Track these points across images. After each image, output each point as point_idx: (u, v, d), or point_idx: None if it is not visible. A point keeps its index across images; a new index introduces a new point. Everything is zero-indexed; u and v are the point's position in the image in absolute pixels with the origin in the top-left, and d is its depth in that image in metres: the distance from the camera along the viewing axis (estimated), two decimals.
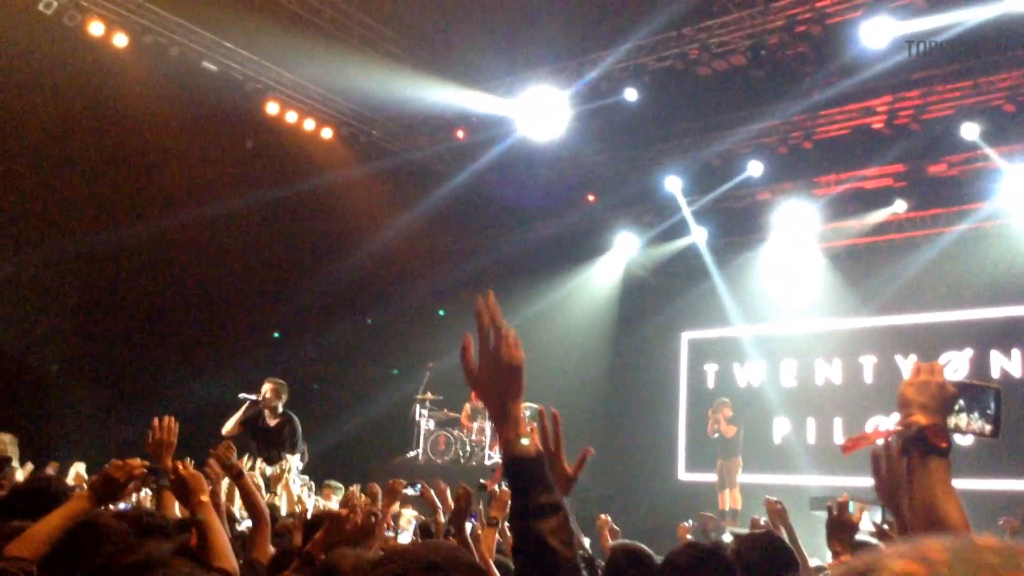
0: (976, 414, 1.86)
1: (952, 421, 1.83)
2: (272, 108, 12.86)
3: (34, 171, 11.27)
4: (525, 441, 1.64)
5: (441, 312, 14.65)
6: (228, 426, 8.72)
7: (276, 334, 13.22)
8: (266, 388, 8.82)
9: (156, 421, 3.59)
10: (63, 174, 11.40)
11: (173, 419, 3.65)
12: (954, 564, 0.51)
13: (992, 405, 1.87)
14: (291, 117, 13.11)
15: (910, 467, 1.76)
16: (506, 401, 1.69)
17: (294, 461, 8.57)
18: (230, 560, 2.73)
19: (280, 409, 8.83)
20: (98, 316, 12.10)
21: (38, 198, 11.42)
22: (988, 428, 1.86)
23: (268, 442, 8.71)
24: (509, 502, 1.63)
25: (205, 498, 2.94)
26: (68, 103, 11.02)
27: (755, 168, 13.78)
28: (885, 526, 4.08)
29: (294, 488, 8.12)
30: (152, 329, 12.47)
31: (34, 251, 11.24)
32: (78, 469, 8.29)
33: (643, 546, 3.58)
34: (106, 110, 11.37)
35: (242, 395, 8.84)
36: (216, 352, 11.88)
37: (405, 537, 6.64)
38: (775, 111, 13.00)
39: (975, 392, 1.88)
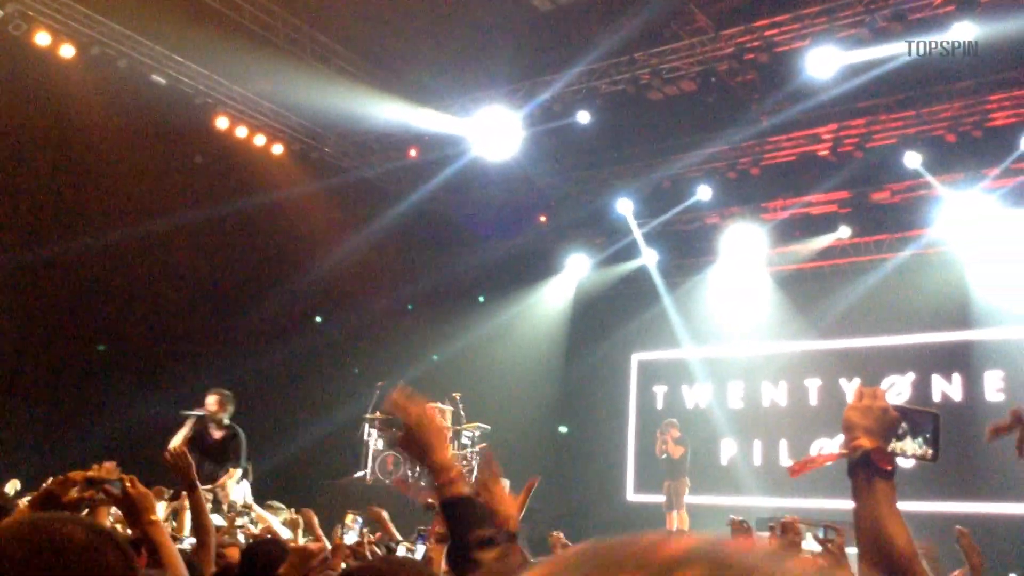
0: (919, 439, 1.92)
1: (896, 445, 1.88)
2: (222, 123, 12.72)
3: None
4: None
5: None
6: (175, 442, 8.48)
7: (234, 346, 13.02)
8: (211, 400, 8.54)
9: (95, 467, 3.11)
10: (4, 186, 11.14)
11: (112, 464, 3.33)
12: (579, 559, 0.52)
13: (931, 430, 1.93)
14: (241, 132, 12.97)
15: (856, 490, 1.80)
16: (427, 455, 1.96)
17: (236, 474, 8.39)
18: None
19: (226, 421, 8.57)
20: (39, 331, 11.80)
21: None
22: (929, 452, 1.92)
23: (212, 457, 8.46)
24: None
25: (155, 517, 2.86)
26: (11, 114, 10.77)
27: (704, 192, 14.01)
28: (828, 544, 4.14)
29: (235, 496, 7.99)
30: (95, 344, 12.20)
31: None
32: (14, 487, 8.06)
33: None
34: (52, 122, 11.15)
35: (184, 412, 8.61)
36: (161, 368, 11.67)
37: (351, 537, 6.60)
38: (724, 136, 13.26)
39: (916, 417, 1.93)
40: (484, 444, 12.78)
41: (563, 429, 12.10)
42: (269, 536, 5.82)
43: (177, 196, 12.06)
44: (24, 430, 10.78)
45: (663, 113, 12.96)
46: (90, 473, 2.96)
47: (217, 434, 8.56)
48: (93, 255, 11.39)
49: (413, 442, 1.97)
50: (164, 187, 11.96)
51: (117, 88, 11.39)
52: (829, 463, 2.08)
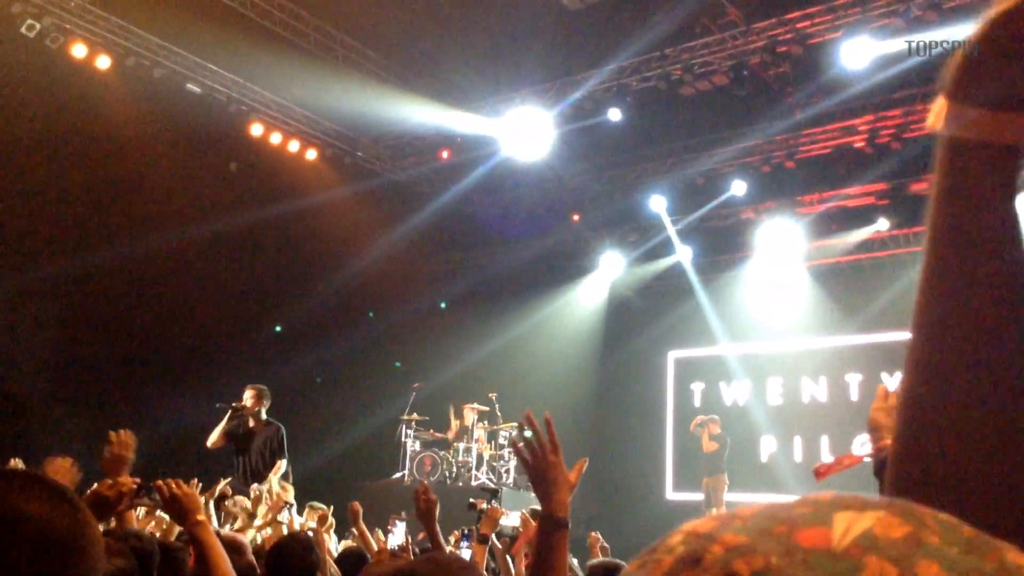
0: None
1: None
2: (256, 130, 12.84)
3: (15, 194, 11.22)
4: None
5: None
6: (212, 438, 8.50)
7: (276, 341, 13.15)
8: (248, 395, 8.56)
9: (112, 434, 3.33)
10: (45, 197, 11.35)
11: (129, 432, 3.37)
12: (756, 516, 0.49)
13: None
14: (275, 138, 13.09)
15: (881, 492, 1.78)
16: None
17: (283, 465, 8.31)
18: None
19: (263, 416, 8.59)
20: (81, 340, 12.00)
21: (19, 221, 11.36)
22: None
23: (254, 451, 8.42)
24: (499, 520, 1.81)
25: (202, 517, 2.84)
26: (50, 126, 10.98)
27: (739, 187, 13.89)
28: None
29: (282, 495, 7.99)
30: (135, 352, 12.38)
31: (15, 275, 11.17)
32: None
33: (620, 562, 3.59)
34: (89, 133, 11.33)
35: (219, 404, 8.63)
36: (200, 374, 11.81)
37: (396, 538, 6.60)
38: (757, 131, 13.12)
39: None
40: (547, 413, 12.70)
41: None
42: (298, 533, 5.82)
43: (213, 203, 12.22)
44: (69, 436, 10.98)
45: (695, 108, 12.91)
46: (130, 481, 3.01)
47: (256, 428, 8.56)
48: (132, 263, 11.58)
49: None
50: (200, 195, 12.13)
51: (153, 98, 11.55)
52: (856, 465, 2.05)
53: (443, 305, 14.75)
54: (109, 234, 11.80)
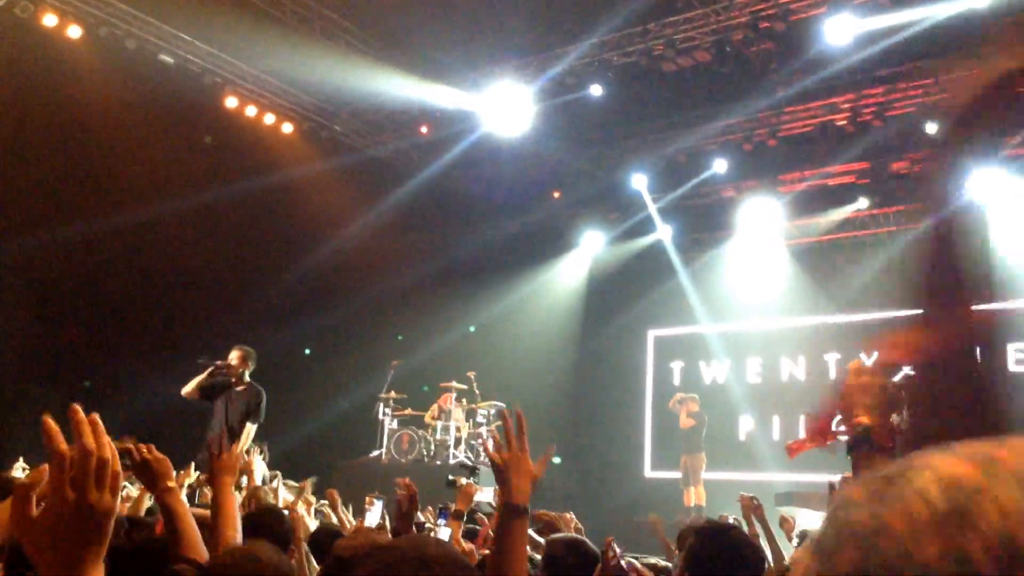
0: None
1: (899, 420, 1.82)
2: (231, 102, 12.71)
3: None
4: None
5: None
6: (187, 388, 8.53)
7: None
8: (233, 355, 8.59)
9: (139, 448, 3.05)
10: (15, 170, 11.16)
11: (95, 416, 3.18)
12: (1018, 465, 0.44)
13: None
14: (251, 111, 12.96)
15: (855, 467, 1.78)
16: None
17: (252, 431, 8.34)
18: (200, 550, 2.66)
19: (247, 377, 8.61)
20: (54, 317, 11.87)
21: None
22: None
23: (232, 411, 8.43)
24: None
25: (172, 483, 2.84)
26: (20, 97, 10.78)
27: (720, 165, 13.88)
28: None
29: (256, 468, 7.96)
30: (110, 328, 12.26)
31: None
32: (22, 468, 8.07)
33: (581, 538, 3.62)
34: (61, 104, 11.14)
35: (201, 360, 8.62)
36: (174, 350, 11.73)
37: (372, 518, 6.58)
38: (740, 108, 13.04)
39: None
40: (499, 423, 12.76)
41: (557, 460, 12.12)
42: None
43: (188, 176, 12.08)
44: (40, 411, 10.87)
45: (677, 85, 12.83)
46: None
47: (239, 388, 8.58)
48: (104, 237, 11.43)
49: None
50: (174, 168, 11.98)
51: (125, 68, 11.36)
52: (829, 442, 2.04)
53: (423, 285, 14.67)
54: (81, 208, 11.63)
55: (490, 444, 2.52)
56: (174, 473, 3.00)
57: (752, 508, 5.54)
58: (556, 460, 12.62)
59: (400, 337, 13.38)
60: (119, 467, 1.20)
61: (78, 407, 1.17)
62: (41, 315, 11.66)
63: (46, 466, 1.17)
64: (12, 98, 10.72)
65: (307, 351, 13.58)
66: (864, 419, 1.81)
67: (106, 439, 1.18)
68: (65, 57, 11.06)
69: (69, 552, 1.15)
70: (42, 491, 1.18)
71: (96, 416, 1.19)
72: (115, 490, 1.20)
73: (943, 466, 0.46)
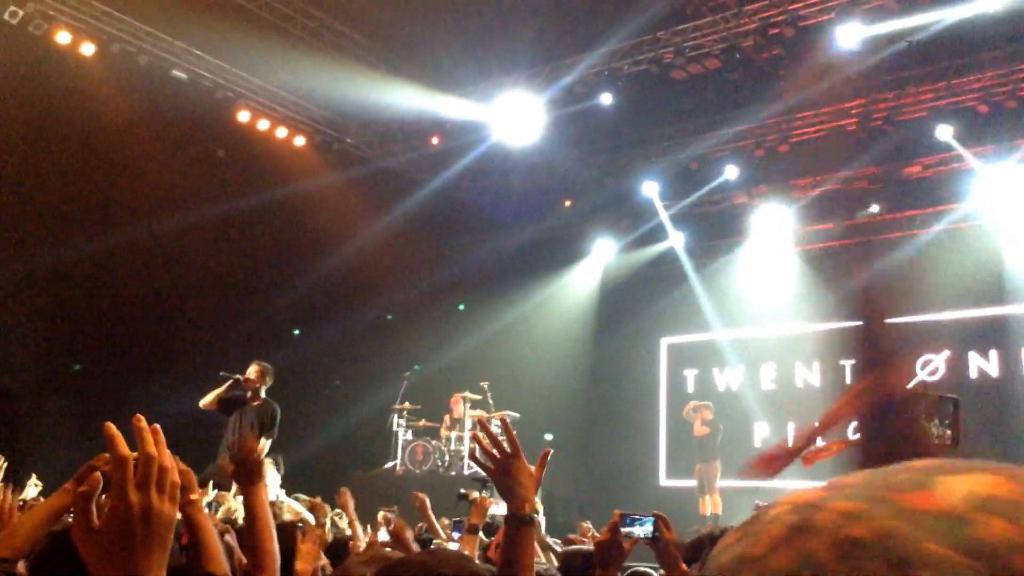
0: (936, 422, 1.88)
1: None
2: (243, 116, 12.81)
3: None
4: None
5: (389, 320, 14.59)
6: (206, 399, 8.64)
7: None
8: (252, 369, 8.68)
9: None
10: (29, 185, 11.27)
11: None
12: (859, 485, 0.53)
13: (950, 414, 1.88)
14: (263, 125, 13.07)
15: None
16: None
17: (266, 446, 8.34)
18: (222, 564, 2.66)
19: (263, 393, 8.68)
20: (70, 330, 11.97)
21: (2, 211, 11.28)
22: (948, 435, 1.87)
23: (244, 425, 8.49)
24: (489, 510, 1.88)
25: (195, 496, 2.83)
26: (35, 113, 10.88)
27: (731, 172, 13.87)
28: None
29: (270, 482, 7.99)
30: (124, 342, 12.35)
31: (1, 266, 11.10)
32: (36, 487, 8.08)
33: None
34: (74, 120, 11.24)
35: (222, 373, 8.73)
36: (189, 363, 11.80)
37: (384, 534, 6.59)
38: (750, 114, 13.04)
39: (934, 401, 1.90)
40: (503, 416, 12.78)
41: (548, 436, 12.10)
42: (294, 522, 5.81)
43: (201, 190, 12.18)
44: (56, 425, 10.95)
45: (688, 92, 12.83)
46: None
47: (254, 403, 8.65)
48: (118, 251, 11.53)
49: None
50: (187, 182, 12.06)
51: (138, 84, 11.47)
52: (844, 449, 2.05)
53: (435, 294, 14.68)
54: (95, 223, 11.74)
55: (478, 452, 2.45)
56: (197, 485, 3.01)
57: None
58: (548, 437, 12.70)
59: (417, 368, 13.37)
60: (178, 478, 1.19)
61: (141, 417, 1.17)
62: (57, 329, 11.75)
63: (98, 475, 1.16)
64: (27, 114, 10.82)
65: (325, 359, 13.62)
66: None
67: (166, 450, 1.18)
68: (78, 73, 11.16)
69: (134, 561, 1.12)
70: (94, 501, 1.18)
71: (158, 426, 1.18)
72: (175, 500, 1.19)
73: (797, 494, 0.55)
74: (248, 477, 2.84)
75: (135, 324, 12.28)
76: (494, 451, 2.33)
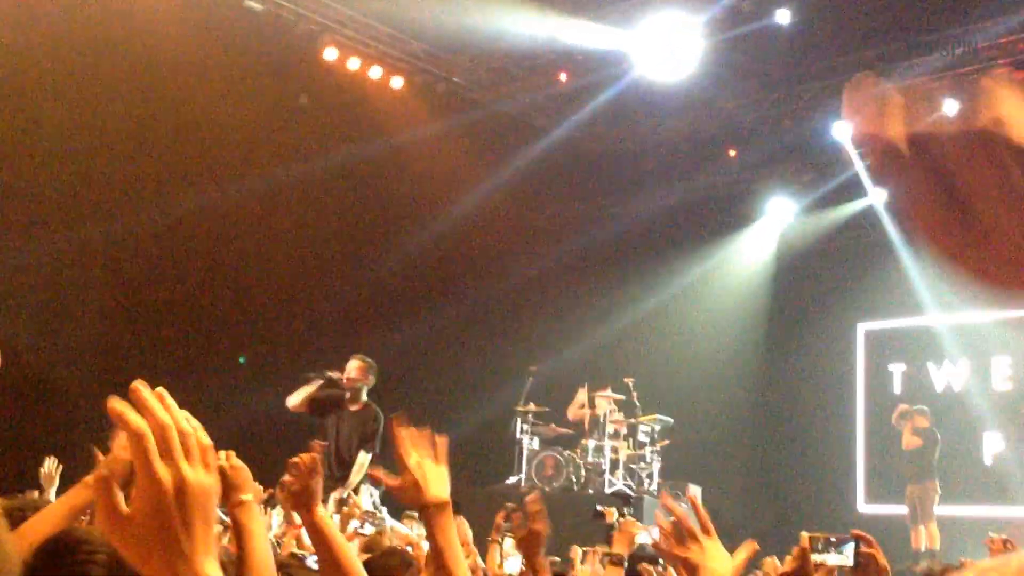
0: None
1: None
2: (330, 54, 12.95)
3: (52, 141, 11.49)
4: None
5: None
6: (294, 400, 8.71)
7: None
8: (352, 365, 8.70)
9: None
10: (86, 142, 11.60)
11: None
12: None
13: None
14: (353, 64, 13.19)
15: None
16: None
17: (367, 461, 8.37)
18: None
19: (364, 395, 8.70)
20: (130, 314, 12.35)
21: (61, 175, 11.65)
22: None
23: (343, 434, 8.55)
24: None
25: (248, 497, 2.85)
26: (93, 59, 11.22)
27: (950, 107, 13.06)
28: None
29: (363, 502, 7.91)
30: (191, 327, 12.71)
31: (56, 239, 11.48)
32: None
33: None
34: (136, 66, 11.59)
35: (311, 373, 8.80)
36: (263, 351, 12.01)
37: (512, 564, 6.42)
38: (974, 32, 12.48)
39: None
40: (665, 441, 12.56)
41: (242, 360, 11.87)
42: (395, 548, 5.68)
43: (279, 145, 12.59)
44: (114, 425, 11.22)
45: (890, 4, 12.41)
46: None
47: (353, 407, 8.63)
48: (180, 222, 11.99)
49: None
50: (264, 135, 12.44)
51: (207, 19, 11.70)
52: None
53: (563, 269, 14.58)
54: (157, 188, 12.12)
55: (659, 538, 2.43)
56: (254, 485, 3.06)
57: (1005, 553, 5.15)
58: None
59: (533, 368, 13.27)
60: (206, 440, 1.22)
61: (139, 385, 1.19)
62: (116, 314, 12.10)
63: (119, 454, 1.28)
64: (84, 62, 11.13)
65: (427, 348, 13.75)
66: None
67: (181, 413, 1.21)
68: (140, 7, 11.41)
69: (177, 543, 1.16)
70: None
71: (162, 390, 1.21)
72: (209, 465, 1.22)
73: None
74: (305, 502, 2.93)
75: (203, 308, 12.74)
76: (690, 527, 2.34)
